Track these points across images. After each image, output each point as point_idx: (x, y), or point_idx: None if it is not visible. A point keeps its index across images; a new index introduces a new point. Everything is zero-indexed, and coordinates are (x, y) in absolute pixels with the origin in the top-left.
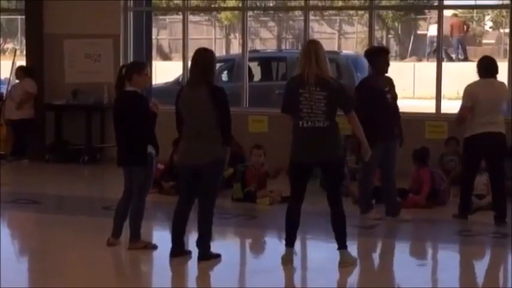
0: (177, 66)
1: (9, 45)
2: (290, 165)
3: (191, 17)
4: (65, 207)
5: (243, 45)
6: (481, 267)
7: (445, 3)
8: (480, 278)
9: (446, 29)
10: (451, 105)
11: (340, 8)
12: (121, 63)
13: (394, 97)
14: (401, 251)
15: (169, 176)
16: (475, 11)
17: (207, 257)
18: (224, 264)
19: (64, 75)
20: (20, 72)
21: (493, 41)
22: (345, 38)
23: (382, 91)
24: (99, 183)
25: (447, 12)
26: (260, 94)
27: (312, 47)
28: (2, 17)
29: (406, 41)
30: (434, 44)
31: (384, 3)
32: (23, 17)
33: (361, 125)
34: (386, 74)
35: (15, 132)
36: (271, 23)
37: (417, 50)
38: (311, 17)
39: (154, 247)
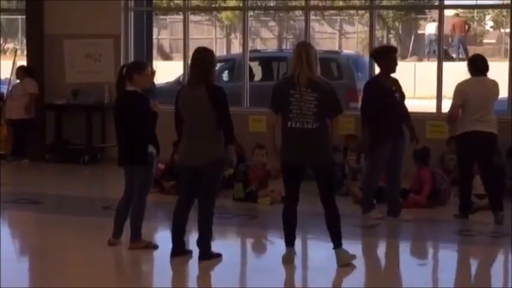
0: (177, 66)
1: (9, 45)
2: (281, 166)
3: (192, 17)
4: (66, 207)
5: (244, 45)
6: (481, 266)
7: (446, 3)
8: (481, 277)
9: (447, 29)
10: None
11: (340, 7)
12: (122, 63)
13: (402, 96)
14: (402, 251)
15: (170, 176)
16: (475, 10)
17: (208, 256)
18: (225, 264)
19: (64, 75)
20: (20, 72)
21: (493, 41)
22: (346, 38)
23: (390, 90)
24: (99, 183)
25: (448, 12)
26: (261, 94)
27: (303, 49)
28: (2, 17)
29: (406, 40)
30: (433, 44)
31: (384, 3)
32: (24, 17)
33: (370, 125)
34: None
35: (15, 132)
36: (271, 23)
37: (418, 49)
38: (312, 17)
39: (155, 247)
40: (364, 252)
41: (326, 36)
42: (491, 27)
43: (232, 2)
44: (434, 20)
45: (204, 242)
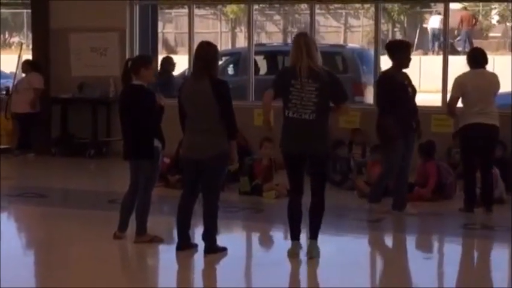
0: (182, 60)
1: (15, 39)
2: (282, 156)
3: (197, 11)
4: (71, 201)
5: (249, 38)
6: (486, 260)
7: None
8: (486, 271)
9: (453, 22)
10: None
11: (345, 1)
12: (127, 57)
13: (414, 91)
14: (408, 244)
15: (176, 170)
16: (481, 4)
17: (213, 250)
18: (230, 258)
19: (70, 68)
20: (26, 66)
21: (499, 34)
22: (351, 32)
23: (403, 84)
24: (105, 177)
25: (453, 6)
26: (266, 87)
27: (302, 40)
28: (8, 11)
29: (412, 34)
30: (437, 37)
31: None
32: (29, 10)
33: (381, 118)
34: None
35: (21, 126)
36: (277, 17)
37: (423, 43)
38: (317, 11)
39: (161, 240)
40: (369, 246)
41: (331, 30)
42: (497, 21)
43: None
44: (439, 13)
45: (210, 236)
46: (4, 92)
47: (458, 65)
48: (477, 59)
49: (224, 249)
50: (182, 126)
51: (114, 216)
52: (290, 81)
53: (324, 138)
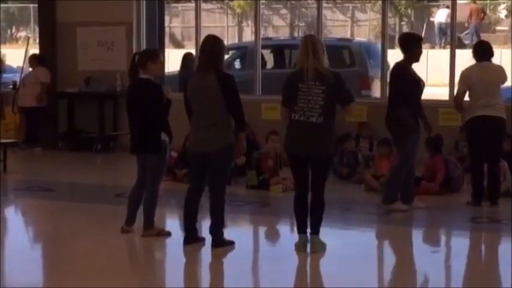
0: None
1: (22, 34)
2: (287, 156)
3: (203, 5)
4: (78, 195)
5: (256, 32)
6: (494, 254)
7: None
8: (493, 264)
9: (460, 16)
10: None
11: None
12: (134, 51)
13: (423, 86)
14: (415, 238)
15: (183, 164)
16: None
17: (221, 243)
18: (237, 251)
19: (77, 63)
20: (33, 60)
21: (506, 28)
22: (358, 26)
23: (415, 78)
24: (112, 171)
25: None
26: (273, 82)
27: (309, 41)
28: (14, 5)
29: (419, 28)
30: (443, 31)
31: None
32: (36, 5)
33: (395, 111)
34: None
35: (28, 120)
36: (283, 11)
37: (430, 37)
38: (324, 4)
39: (168, 234)
40: (377, 240)
41: (338, 24)
42: (505, 15)
43: None
44: (447, 7)
45: (217, 230)
46: (11, 86)
47: (466, 58)
48: (483, 52)
49: (231, 243)
50: (190, 120)
51: (121, 210)
52: (297, 85)
53: (329, 141)
